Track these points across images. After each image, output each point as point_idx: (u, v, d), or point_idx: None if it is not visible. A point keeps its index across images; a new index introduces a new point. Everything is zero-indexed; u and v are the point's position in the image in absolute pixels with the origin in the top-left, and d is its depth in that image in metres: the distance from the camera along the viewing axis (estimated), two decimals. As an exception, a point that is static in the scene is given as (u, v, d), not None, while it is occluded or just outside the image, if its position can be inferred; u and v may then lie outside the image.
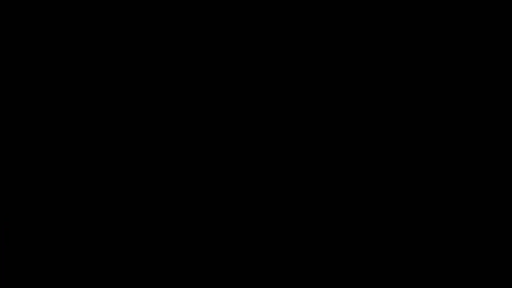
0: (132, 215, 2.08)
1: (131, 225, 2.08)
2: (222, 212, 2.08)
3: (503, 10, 2.03)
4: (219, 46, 2.09)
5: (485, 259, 2.03)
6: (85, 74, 2.10)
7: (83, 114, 2.10)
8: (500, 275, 2.02)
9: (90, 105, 2.10)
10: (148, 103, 2.09)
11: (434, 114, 2.05)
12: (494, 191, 2.03)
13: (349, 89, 2.07)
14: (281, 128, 2.08)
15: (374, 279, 2.04)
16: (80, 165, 2.09)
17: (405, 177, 2.05)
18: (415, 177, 2.05)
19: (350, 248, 2.05)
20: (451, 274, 2.03)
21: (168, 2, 2.09)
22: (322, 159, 2.07)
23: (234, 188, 2.08)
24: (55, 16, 2.10)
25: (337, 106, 2.07)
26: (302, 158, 2.07)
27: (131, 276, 2.07)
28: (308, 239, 2.06)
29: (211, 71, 2.09)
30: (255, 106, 2.08)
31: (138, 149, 2.09)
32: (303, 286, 2.05)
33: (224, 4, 2.09)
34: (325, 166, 2.07)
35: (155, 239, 2.08)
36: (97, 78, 2.10)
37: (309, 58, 2.08)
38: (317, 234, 2.06)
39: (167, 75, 2.10)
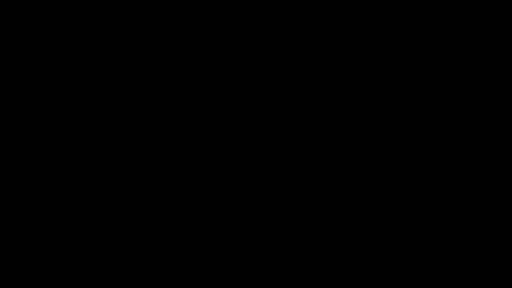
0: (132, 215, 2.08)
1: (131, 225, 2.08)
2: (222, 212, 2.08)
3: (503, 10, 2.04)
4: (219, 46, 2.10)
5: (485, 259, 2.03)
6: (85, 74, 2.10)
7: (82, 114, 2.10)
8: (500, 275, 2.02)
9: (90, 105, 2.10)
10: (148, 103, 2.10)
11: (434, 114, 2.05)
12: (494, 191, 2.03)
13: (349, 89, 2.07)
14: (281, 128, 2.08)
15: (374, 279, 2.05)
16: (80, 165, 2.09)
17: (405, 177, 2.05)
18: (415, 177, 2.05)
19: (350, 248, 2.06)
20: (451, 274, 2.03)
21: (168, 2, 2.10)
22: (322, 159, 2.07)
23: (234, 188, 2.08)
24: (55, 16, 2.11)
25: (337, 106, 2.07)
26: (302, 158, 2.07)
27: (131, 276, 2.08)
28: (308, 239, 2.06)
29: (210, 71, 2.10)
30: (255, 106, 2.09)
31: (138, 149, 2.09)
32: (303, 286, 2.05)
33: (224, 4, 2.09)
34: (325, 166, 2.07)
35: (155, 239, 2.08)
36: (97, 78, 2.10)
37: (309, 58, 2.08)
38: (317, 234, 2.06)
39: (166, 75, 2.10)
